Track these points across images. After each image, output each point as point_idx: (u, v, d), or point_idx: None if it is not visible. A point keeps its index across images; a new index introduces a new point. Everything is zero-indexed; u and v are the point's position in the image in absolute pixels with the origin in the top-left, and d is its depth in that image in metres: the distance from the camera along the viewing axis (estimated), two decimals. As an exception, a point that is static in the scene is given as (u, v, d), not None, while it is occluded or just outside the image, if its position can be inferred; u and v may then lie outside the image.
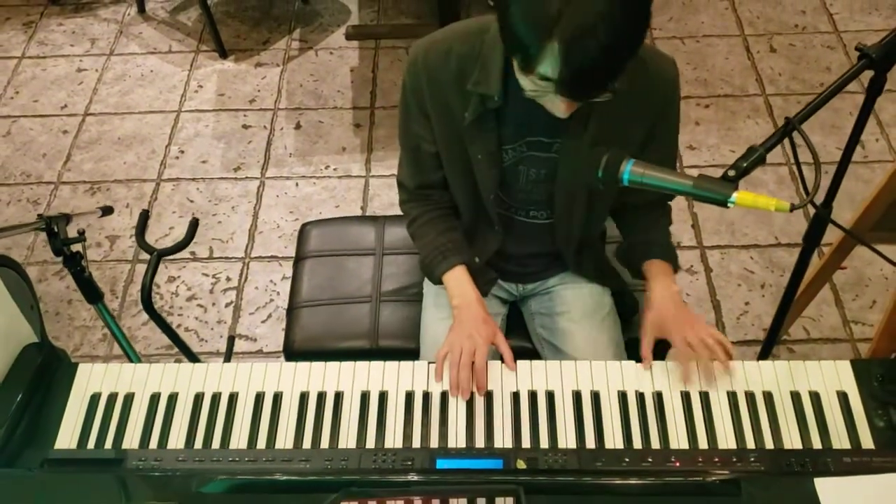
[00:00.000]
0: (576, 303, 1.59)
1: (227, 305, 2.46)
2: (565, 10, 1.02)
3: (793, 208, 1.05)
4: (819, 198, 1.48)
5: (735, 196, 1.06)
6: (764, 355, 1.93)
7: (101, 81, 3.17)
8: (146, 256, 2.56)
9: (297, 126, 2.97)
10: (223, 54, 3.23)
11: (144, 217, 1.70)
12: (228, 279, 2.52)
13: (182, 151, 2.90)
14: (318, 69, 3.18)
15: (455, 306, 1.46)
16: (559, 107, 1.18)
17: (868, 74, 1.28)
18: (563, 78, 1.07)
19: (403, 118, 1.44)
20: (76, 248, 1.54)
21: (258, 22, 3.38)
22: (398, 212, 1.63)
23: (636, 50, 1.10)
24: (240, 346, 2.36)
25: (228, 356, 2.30)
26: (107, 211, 1.75)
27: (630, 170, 1.11)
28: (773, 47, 3.14)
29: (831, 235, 1.99)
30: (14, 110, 3.08)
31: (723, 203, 1.07)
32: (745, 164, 1.11)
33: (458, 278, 1.47)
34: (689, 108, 2.93)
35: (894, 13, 3.24)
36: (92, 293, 1.62)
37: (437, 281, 1.50)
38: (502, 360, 1.40)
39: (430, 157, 1.45)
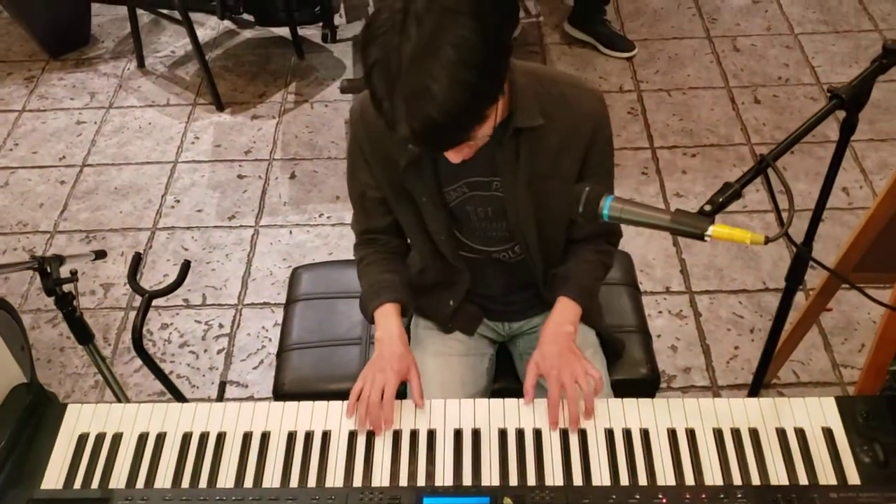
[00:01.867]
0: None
1: (218, 352, 2.47)
2: (408, 69, 1.07)
3: (767, 241, 1.07)
4: (801, 239, 1.51)
5: (711, 229, 1.09)
6: (752, 397, 1.93)
7: (100, 133, 3.23)
8: (139, 302, 2.59)
9: (292, 176, 3.01)
10: (220, 107, 3.30)
11: (137, 259, 1.72)
12: (221, 326, 2.53)
13: (178, 201, 2.94)
14: (314, 121, 3.24)
15: (377, 339, 1.48)
16: (448, 154, 1.24)
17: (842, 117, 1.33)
18: (411, 134, 1.12)
19: (350, 167, 1.51)
20: (68, 288, 1.56)
21: (255, 76, 3.47)
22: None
23: (483, 107, 1.14)
24: (231, 392, 2.36)
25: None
26: (100, 254, 1.77)
27: (609, 205, 1.14)
28: (757, 98, 3.22)
29: (817, 279, 2.02)
30: (13, 161, 3.13)
31: (699, 236, 1.10)
32: (720, 199, 1.14)
33: (385, 314, 1.49)
34: (675, 158, 2.99)
35: (874, 65, 3.32)
36: (83, 334, 1.63)
37: (370, 319, 1.52)
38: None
39: (376, 204, 1.50)
